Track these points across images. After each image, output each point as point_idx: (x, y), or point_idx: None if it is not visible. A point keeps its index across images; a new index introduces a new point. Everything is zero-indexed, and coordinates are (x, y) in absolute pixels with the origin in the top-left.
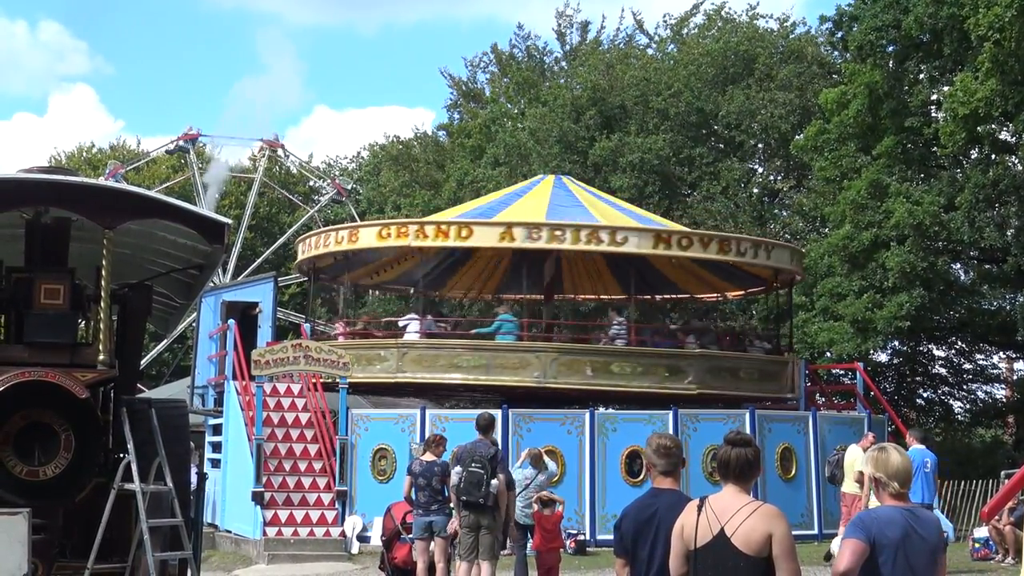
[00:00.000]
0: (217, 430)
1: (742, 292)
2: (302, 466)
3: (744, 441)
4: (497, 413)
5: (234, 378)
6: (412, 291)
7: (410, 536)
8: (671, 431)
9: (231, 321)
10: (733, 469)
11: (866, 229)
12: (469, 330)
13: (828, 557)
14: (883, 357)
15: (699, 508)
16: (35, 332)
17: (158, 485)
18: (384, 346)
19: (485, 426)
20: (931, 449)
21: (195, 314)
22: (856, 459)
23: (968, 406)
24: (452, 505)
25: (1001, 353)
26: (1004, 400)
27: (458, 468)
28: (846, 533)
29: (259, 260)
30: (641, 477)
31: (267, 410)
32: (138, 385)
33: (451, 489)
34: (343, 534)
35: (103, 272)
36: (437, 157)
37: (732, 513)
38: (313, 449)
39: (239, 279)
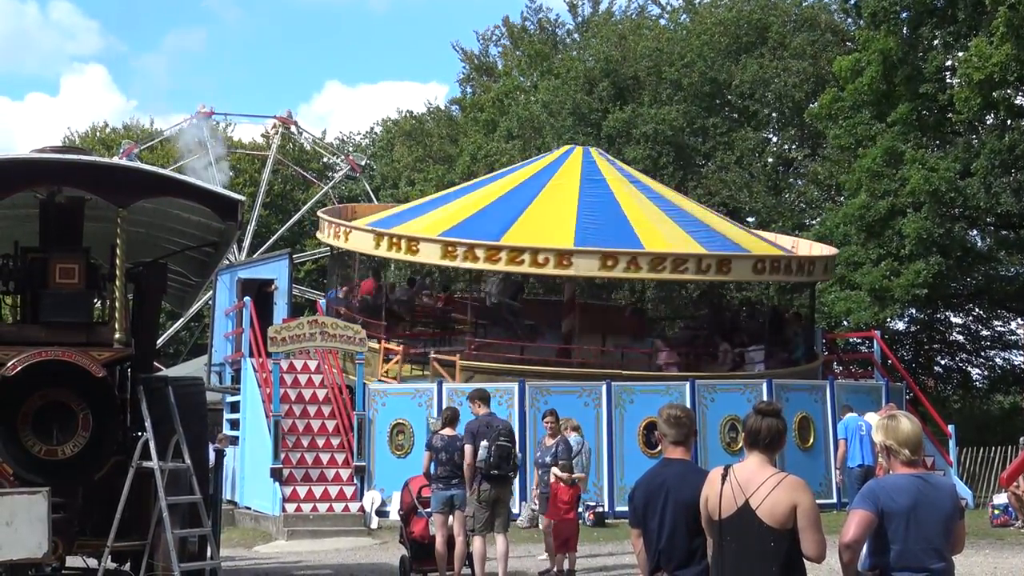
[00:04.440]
0: (235, 407)
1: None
2: (320, 442)
3: (774, 411)
4: (514, 386)
5: (251, 355)
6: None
7: (427, 510)
8: (688, 402)
9: (247, 298)
10: (763, 439)
11: (882, 198)
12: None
13: None
14: (900, 325)
15: (723, 478)
16: (51, 311)
17: (176, 463)
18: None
19: (486, 398)
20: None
21: (211, 292)
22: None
23: (986, 373)
24: (469, 479)
25: (1019, 319)
26: (1022, 366)
27: (485, 443)
28: (854, 503)
29: (274, 237)
30: (659, 448)
31: (284, 387)
32: (155, 363)
33: (479, 464)
34: (362, 509)
35: (118, 251)
36: (450, 131)
37: (757, 485)
38: (331, 425)
39: (254, 256)
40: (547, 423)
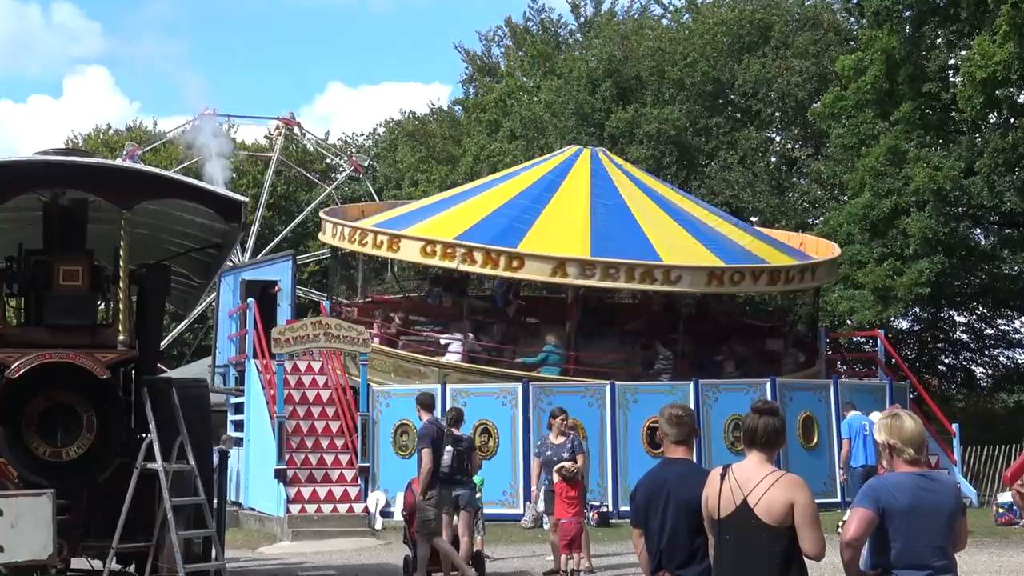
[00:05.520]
0: (239, 409)
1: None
2: (324, 443)
3: (771, 410)
4: (518, 387)
5: (255, 356)
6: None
7: None
8: (692, 402)
9: (251, 300)
10: (760, 438)
11: (886, 197)
12: (514, 358)
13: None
14: (904, 324)
15: (722, 477)
16: (55, 314)
17: (180, 464)
18: (426, 362)
19: (431, 403)
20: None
21: (214, 294)
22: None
23: (990, 371)
24: (426, 484)
25: (1023, 318)
26: None
27: (449, 448)
28: (855, 501)
29: (277, 238)
30: (663, 448)
31: (288, 388)
32: (159, 365)
33: (444, 468)
34: (366, 510)
35: (121, 253)
36: (453, 132)
37: (755, 483)
38: (335, 426)
39: (258, 258)
40: (560, 421)
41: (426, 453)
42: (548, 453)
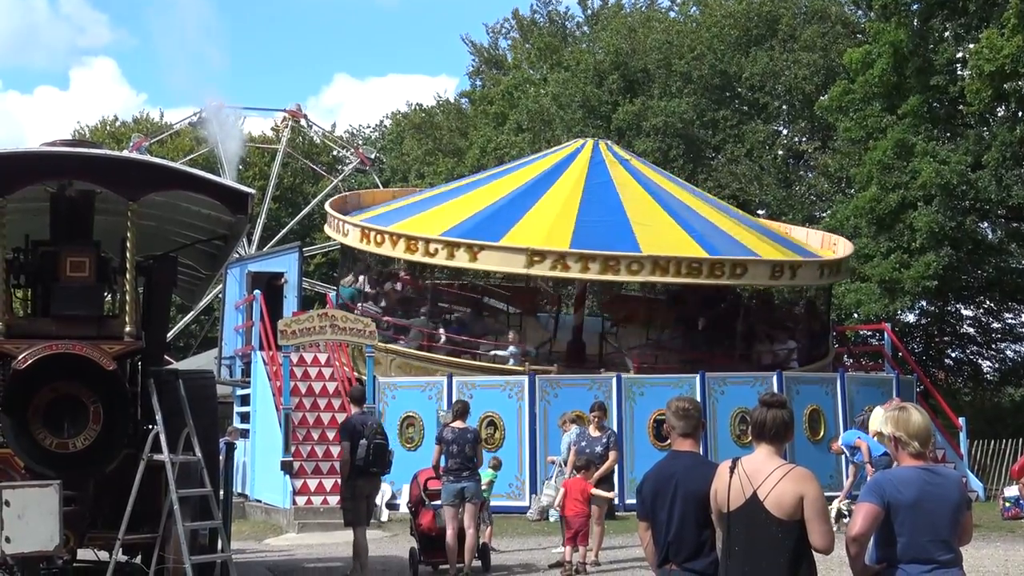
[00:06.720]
0: (245, 400)
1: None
2: (330, 435)
3: (779, 402)
4: (524, 379)
5: (261, 348)
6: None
7: (435, 503)
8: (698, 395)
9: (257, 292)
10: (769, 431)
11: (893, 191)
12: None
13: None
14: (911, 318)
15: (731, 470)
16: (62, 305)
17: (187, 455)
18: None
19: (359, 397)
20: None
21: (221, 285)
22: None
23: (997, 365)
24: (345, 475)
25: None
26: None
27: (364, 441)
28: (861, 496)
29: (284, 230)
30: (669, 441)
31: (294, 380)
32: (165, 357)
33: (358, 461)
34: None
35: (128, 244)
36: (460, 125)
37: (764, 476)
38: (341, 418)
39: (264, 250)
40: (595, 416)
41: (344, 446)
42: (583, 444)
